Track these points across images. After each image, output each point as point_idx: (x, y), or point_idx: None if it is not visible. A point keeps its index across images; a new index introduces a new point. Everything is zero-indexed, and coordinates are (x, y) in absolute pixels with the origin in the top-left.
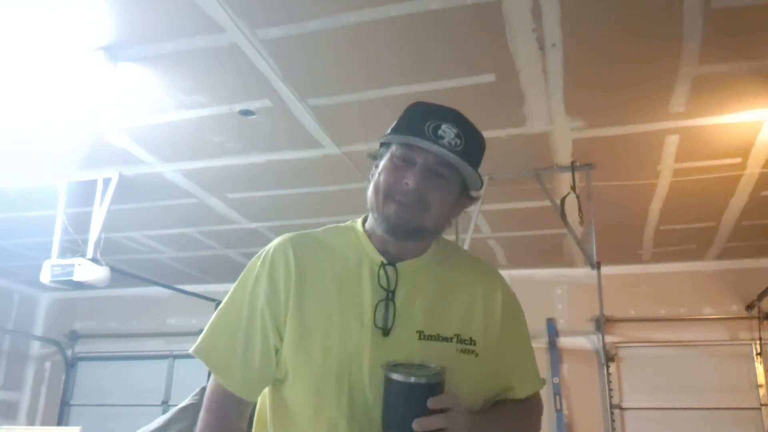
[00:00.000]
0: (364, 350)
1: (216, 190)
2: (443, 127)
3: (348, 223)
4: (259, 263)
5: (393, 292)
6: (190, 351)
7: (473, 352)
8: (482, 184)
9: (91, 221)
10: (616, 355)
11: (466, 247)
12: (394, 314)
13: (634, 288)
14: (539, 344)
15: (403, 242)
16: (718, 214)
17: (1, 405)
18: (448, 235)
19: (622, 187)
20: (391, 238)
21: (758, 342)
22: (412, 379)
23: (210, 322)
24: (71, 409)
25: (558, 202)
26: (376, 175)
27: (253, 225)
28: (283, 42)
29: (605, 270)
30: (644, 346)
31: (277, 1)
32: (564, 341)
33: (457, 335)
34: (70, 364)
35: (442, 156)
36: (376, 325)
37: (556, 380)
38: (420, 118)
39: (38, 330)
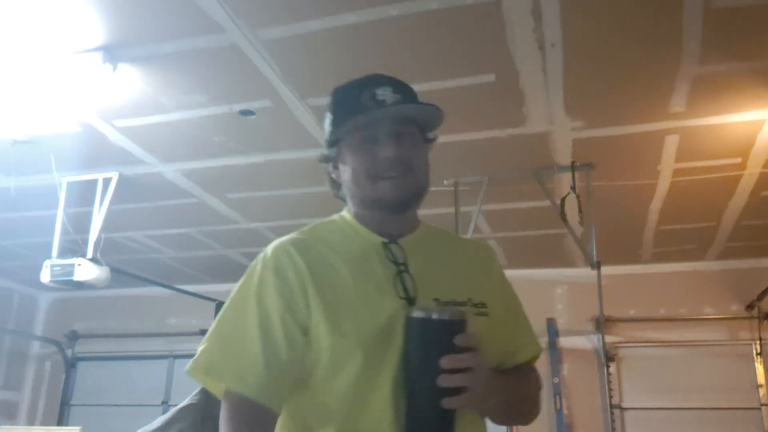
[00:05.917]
0: (396, 319)
1: (216, 190)
2: (378, 91)
3: (331, 217)
4: (259, 266)
5: (405, 265)
6: (188, 370)
7: (485, 313)
8: (442, 114)
9: (91, 221)
10: (616, 355)
11: None
12: (414, 285)
13: (634, 288)
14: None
15: (400, 217)
16: (718, 214)
17: (1, 405)
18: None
19: (622, 187)
20: (392, 215)
21: (758, 342)
22: (438, 316)
23: (208, 335)
24: (71, 409)
25: (558, 202)
26: (347, 168)
27: (253, 225)
28: (283, 42)
29: (605, 270)
30: (644, 346)
31: (277, 1)
32: (564, 341)
33: (470, 299)
34: (70, 364)
35: (399, 114)
36: (400, 297)
37: (556, 380)
38: (353, 96)
39: (38, 330)
